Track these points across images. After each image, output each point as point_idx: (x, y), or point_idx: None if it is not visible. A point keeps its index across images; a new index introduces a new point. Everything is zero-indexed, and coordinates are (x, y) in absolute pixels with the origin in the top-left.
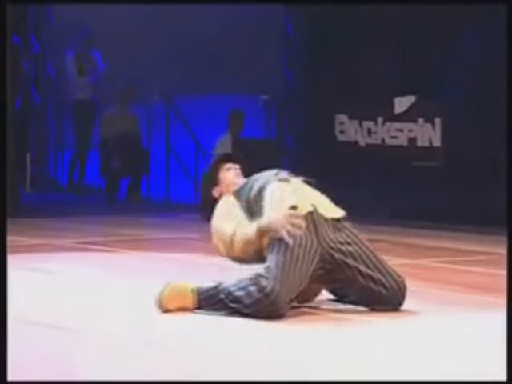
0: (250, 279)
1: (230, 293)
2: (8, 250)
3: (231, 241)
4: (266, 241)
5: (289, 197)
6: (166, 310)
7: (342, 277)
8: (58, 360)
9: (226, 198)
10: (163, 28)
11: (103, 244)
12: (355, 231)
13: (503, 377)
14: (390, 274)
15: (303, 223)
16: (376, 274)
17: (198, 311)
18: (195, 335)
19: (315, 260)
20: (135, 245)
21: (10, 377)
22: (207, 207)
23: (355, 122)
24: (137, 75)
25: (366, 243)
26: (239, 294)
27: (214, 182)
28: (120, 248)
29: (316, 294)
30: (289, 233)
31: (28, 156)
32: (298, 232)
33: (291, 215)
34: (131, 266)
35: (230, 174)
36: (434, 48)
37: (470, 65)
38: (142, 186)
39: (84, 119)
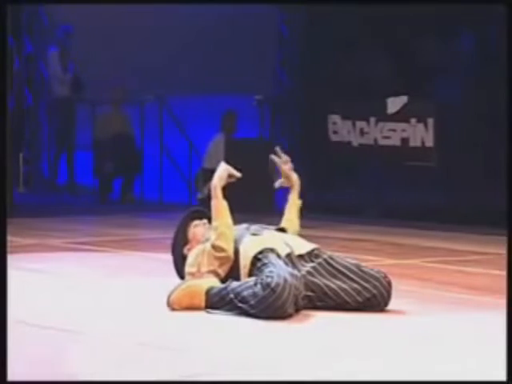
0: (256, 279)
1: (238, 293)
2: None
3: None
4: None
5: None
6: (174, 310)
7: (329, 304)
8: (57, 360)
9: (195, 249)
10: (157, 28)
11: (97, 244)
12: (329, 253)
13: (503, 377)
14: (372, 275)
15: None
16: (361, 284)
17: (211, 311)
18: (194, 335)
19: (302, 281)
20: (129, 245)
21: (10, 377)
22: (180, 266)
23: (348, 123)
24: (130, 75)
25: (343, 258)
26: (245, 293)
27: (184, 241)
28: (113, 248)
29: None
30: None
31: (21, 156)
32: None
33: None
34: (125, 266)
35: (199, 230)
36: (427, 48)
37: (463, 65)
38: (135, 186)
39: (65, 117)
